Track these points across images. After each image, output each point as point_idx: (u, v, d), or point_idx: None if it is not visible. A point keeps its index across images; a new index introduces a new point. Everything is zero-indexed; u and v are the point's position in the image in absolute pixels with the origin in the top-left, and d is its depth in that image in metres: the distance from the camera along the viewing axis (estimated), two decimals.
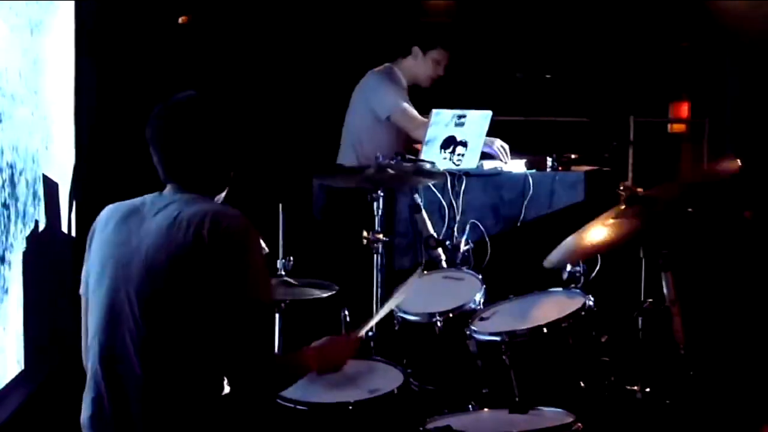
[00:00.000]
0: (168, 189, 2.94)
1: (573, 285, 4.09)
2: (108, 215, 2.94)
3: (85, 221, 5.25)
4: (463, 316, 4.05)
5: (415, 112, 5.56)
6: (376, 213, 4.61)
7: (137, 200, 2.93)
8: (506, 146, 5.59)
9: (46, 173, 4.64)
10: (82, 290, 2.98)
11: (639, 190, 3.66)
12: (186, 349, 2.75)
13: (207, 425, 2.79)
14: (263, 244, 3.09)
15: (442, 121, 5.20)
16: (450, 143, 5.28)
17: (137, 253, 2.79)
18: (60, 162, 4.99)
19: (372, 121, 5.65)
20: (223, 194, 3.02)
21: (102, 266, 2.86)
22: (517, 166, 5.56)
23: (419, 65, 5.75)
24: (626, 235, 3.59)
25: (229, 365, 2.80)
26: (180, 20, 6.67)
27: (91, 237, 2.97)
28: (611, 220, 3.62)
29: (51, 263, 4.73)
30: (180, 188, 2.90)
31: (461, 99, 5.79)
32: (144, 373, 2.75)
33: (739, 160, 3.62)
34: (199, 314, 2.75)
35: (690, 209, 3.76)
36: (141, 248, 2.80)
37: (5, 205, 3.98)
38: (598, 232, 3.63)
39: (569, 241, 3.71)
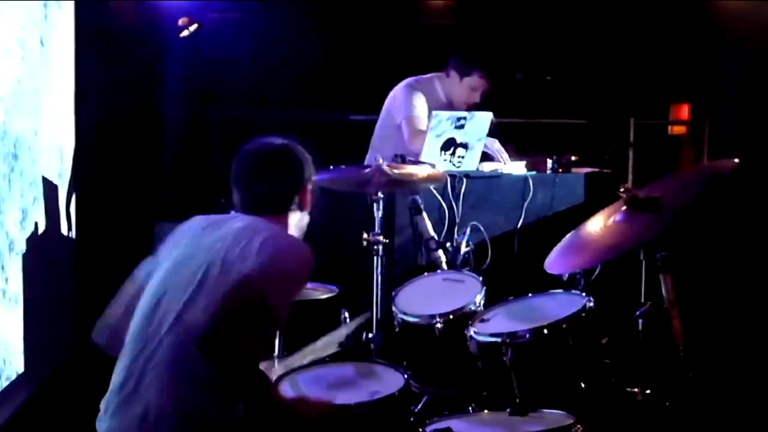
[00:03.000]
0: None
1: (573, 287, 4.09)
2: (196, 221, 3.19)
3: (86, 223, 5.27)
4: (463, 317, 4.05)
5: (421, 124, 5.52)
6: (376, 215, 4.61)
7: (221, 216, 3.20)
8: (502, 149, 5.60)
9: (46, 175, 4.64)
10: (140, 273, 3.15)
11: (638, 191, 3.67)
12: (212, 351, 2.79)
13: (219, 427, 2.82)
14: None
15: (442, 123, 5.20)
16: (450, 145, 5.28)
17: (202, 252, 3.00)
18: (61, 164, 4.99)
19: (390, 126, 5.66)
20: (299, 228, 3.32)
21: (172, 259, 3.05)
22: (518, 168, 5.56)
23: (456, 88, 5.71)
24: (634, 242, 3.59)
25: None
26: (180, 22, 6.66)
27: (173, 234, 3.18)
28: (614, 225, 3.62)
29: (52, 264, 4.74)
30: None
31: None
32: (174, 361, 2.85)
33: (737, 160, 3.63)
34: (244, 318, 2.85)
35: (690, 209, 3.75)
36: (207, 249, 3.00)
37: (6, 206, 3.98)
38: (601, 237, 3.62)
39: (572, 246, 3.71)
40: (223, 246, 2.98)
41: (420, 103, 5.62)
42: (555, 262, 3.75)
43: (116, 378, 2.92)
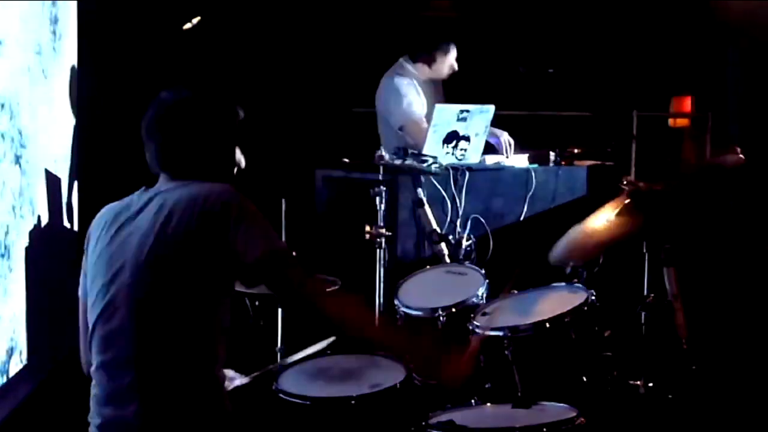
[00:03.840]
0: (159, 180, 2.95)
1: (576, 280, 4.09)
2: (100, 217, 2.96)
3: (88, 217, 5.26)
4: (465, 310, 4.05)
5: (424, 124, 5.53)
6: (379, 207, 4.61)
7: (126, 199, 2.94)
8: (512, 141, 5.60)
9: (48, 169, 4.64)
10: (80, 292, 2.99)
11: (641, 184, 3.66)
12: (183, 340, 2.76)
13: (206, 419, 2.79)
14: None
15: (444, 116, 5.20)
16: (453, 138, 5.28)
17: (129, 246, 2.80)
18: (63, 158, 4.99)
19: (393, 129, 5.67)
20: None
21: (96, 267, 2.87)
22: (520, 161, 5.56)
23: (441, 67, 5.75)
24: (631, 232, 3.59)
25: (298, 314, 2.84)
26: (185, 27, 6.66)
27: (87, 240, 2.98)
28: (615, 217, 3.62)
29: (54, 259, 4.74)
30: (170, 177, 2.92)
31: (464, 94, 5.79)
32: (137, 372, 2.75)
33: (740, 151, 3.62)
34: (193, 294, 2.76)
35: (693, 202, 3.75)
36: (132, 240, 2.80)
37: (8, 199, 3.98)
38: (602, 229, 3.62)
39: (574, 238, 3.71)
40: (144, 232, 2.78)
41: (410, 97, 5.63)
42: (559, 255, 3.75)
43: (100, 393, 2.82)
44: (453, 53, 5.76)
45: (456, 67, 5.77)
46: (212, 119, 2.96)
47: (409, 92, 5.65)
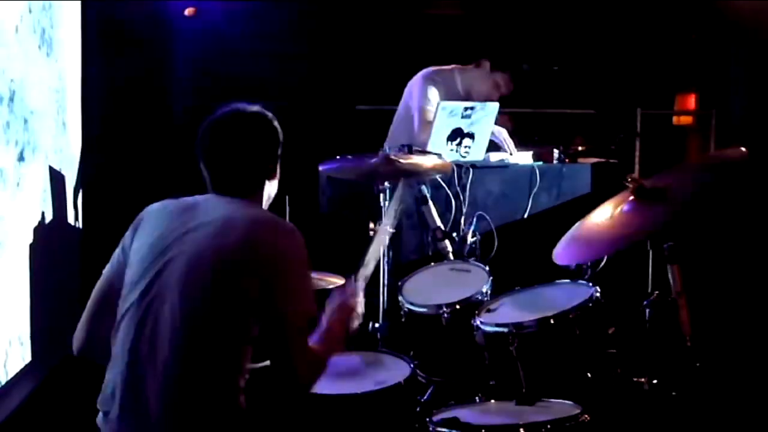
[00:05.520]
0: (218, 194, 3.00)
1: (580, 276, 4.09)
2: (162, 205, 2.99)
3: (92, 214, 5.27)
4: (470, 307, 4.05)
5: (431, 117, 5.52)
6: (382, 205, 4.62)
7: (191, 199, 2.98)
8: (509, 140, 5.61)
9: (53, 165, 4.65)
10: (108, 269, 2.99)
11: (646, 181, 3.66)
12: (217, 344, 2.76)
13: (221, 421, 2.79)
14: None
15: (449, 114, 5.20)
16: (457, 135, 5.28)
17: (185, 244, 2.83)
18: (67, 154, 5.00)
19: (406, 116, 5.66)
20: (268, 199, 3.11)
21: (148, 249, 2.87)
22: (524, 158, 5.56)
23: (480, 80, 5.72)
24: (641, 233, 3.59)
25: (275, 374, 2.86)
26: (186, 12, 6.67)
27: (138, 222, 2.98)
28: (621, 215, 3.61)
29: (58, 255, 4.74)
30: (227, 195, 2.97)
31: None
32: (171, 361, 2.75)
33: (744, 149, 3.62)
34: (236, 311, 2.78)
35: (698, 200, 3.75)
36: (190, 240, 2.83)
37: (12, 198, 3.99)
38: (608, 226, 3.62)
39: (578, 236, 3.70)
40: (203, 237, 2.82)
41: (433, 94, 5.61)
42: (563, 253, 3.74)
43: (112, 383, 2.82)
44: (499, 78, 5.70)
45: (494, 96, 5.68)
46: (259, 139, 3.03)
47: (436, 86, 5.63)
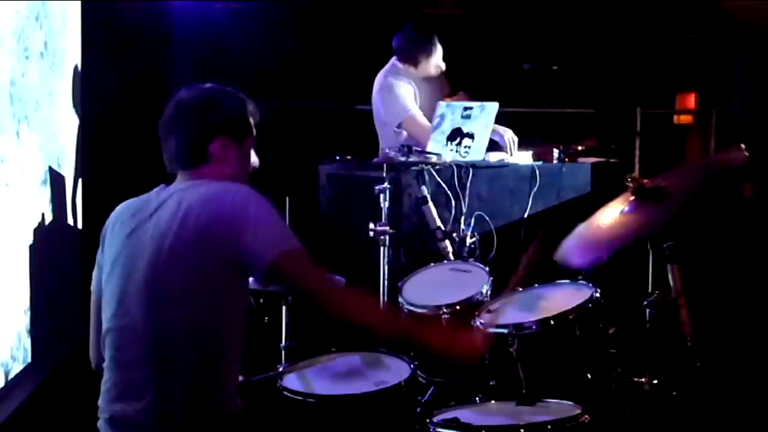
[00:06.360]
0: (177, 179, 2.97)
1: (580, 277, 4.09)
2: (118, 213, 2.98)
3: (93, 214, 5.27)
4: (470, 308, 4.04)
5: (422, 120, 5.53)
6: (382, 205, 4.61)
7: (144, 195, 2.96)
8: (516, 139, 5.59)
9: (53, 166, 4.65)
10: (93, 287, 3.00)
11: (646, 181, 3.66)
12: (199, 339, 2.76)
13: (217, 417, 2.79)
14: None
15: (448, 114, 5.20)
16: (457, 135, 5.28)
17: (146, 245, 2.81)
18: (67, 154, 4.99)
19: (391, 128, 5.66)
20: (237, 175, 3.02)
21: (113, 263, 2.87)
22: (524, 158, 5.56)
23: (427, 68, 5.74)
24: (642, 229, 3.58)
25: (324, 313, 2.85)
26: None
27: (103, 235, 3.00)
28: (621, 215, 3.61)
29: (58, 256, 4.74)
30: (188, 176, 2.94)
31: (468, 91, 5.79)
32: (154, 367, 2.75)
33: (745, 149, 3.62)
34: (209, 298, 2.76)
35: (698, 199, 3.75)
36: (149, 240, 2.82)
37: (12, 197, 3.99)
38: (611, 227, 3.61)
39: (582, 238, 3.69)
40: (158, 237, 2.80)
41: (406, 95, 5.63)
42: (568, 256, 3.74)
43: (111, 389, 2.83)
44: (436, 54, 5.72)
45: (442, 66, 5.75)
46: (228, 117, 2.98)
47: (402, 90, 5.65)
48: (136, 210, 2.92)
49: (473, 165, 5.24)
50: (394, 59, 5.79)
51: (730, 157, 3.79)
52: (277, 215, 2.86)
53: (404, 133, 5.59)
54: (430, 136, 5.22)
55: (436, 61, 5.74)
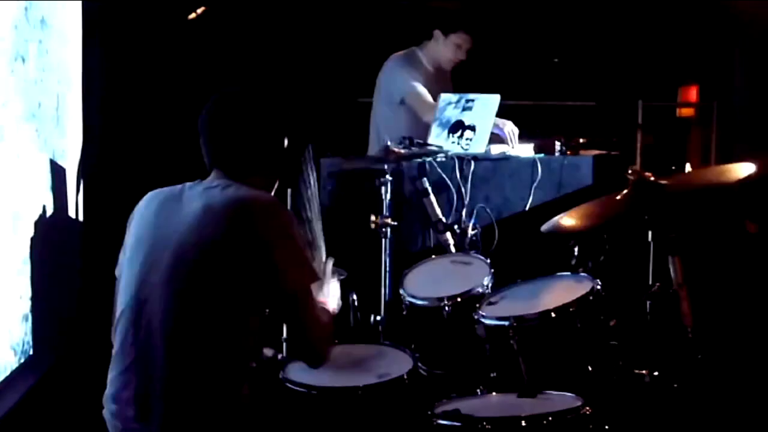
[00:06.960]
0: (210, 176, 2.99)
1: (581, 269, 4.09)
2: (149, 199, 2.99)
3: (93, 208, 5.27)
4: (471, 300, 4.05)
5: (428, 96, 5.53)
6: (384, 197, 4.61)
7: (177, 187, 2.98)
8: (516, 131, 5.58)
9: (53, 159, 4.64)
10: (117, 272, 3.01)
11: (648, 174, 3.66)
12: (211, 339, 2.76)
13: (223, 414, 2.79)
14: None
15: (450, 106, 5.19)
16: (458, 127, 5.27)
17: (170, 240, 2.83)
18: (68, 148, 4.99)
19: (390, 107, 5.65)
20: (274, 185, 3.10)
21: (136, 248, 2.89)
22: (526, 151, 5.56)
23: (441, 49, 5.72)
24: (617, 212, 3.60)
25: (295, 352, 3.01)
26: (191, 16, 6.66)
27: (130, 221, 3.01)
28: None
29: (58, 250, 4.74)
30: (223, 175, 2.95)
31: (469, 83, 5.78)
32: (166, 360, 2.76)
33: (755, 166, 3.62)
34: (228, 303, 2.77)
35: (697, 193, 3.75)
36: (174, 235, 2.83)
37: (13, 192, 3.99)
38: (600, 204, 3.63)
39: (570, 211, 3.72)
40: (185, 231, 2.81)
41: (416, 73, 5.63)
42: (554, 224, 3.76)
43: (115, 383, 2.84)
44: (456, 39, 5.70)
45: (461, 56, 5.73)
46: (263, 117, 3.01)
47: (411, 71, 5.64)
48: (165, 200, 2.93)
49: (475, 157, 5.24)
50: (415, 48, 5.78)
51: (745, 174, 3.78)
52: (302, 237, 2.98)
53: (403, 115, 5.57)
54: (432, 120, 5.20)
55: (461, 43, 5.70)
